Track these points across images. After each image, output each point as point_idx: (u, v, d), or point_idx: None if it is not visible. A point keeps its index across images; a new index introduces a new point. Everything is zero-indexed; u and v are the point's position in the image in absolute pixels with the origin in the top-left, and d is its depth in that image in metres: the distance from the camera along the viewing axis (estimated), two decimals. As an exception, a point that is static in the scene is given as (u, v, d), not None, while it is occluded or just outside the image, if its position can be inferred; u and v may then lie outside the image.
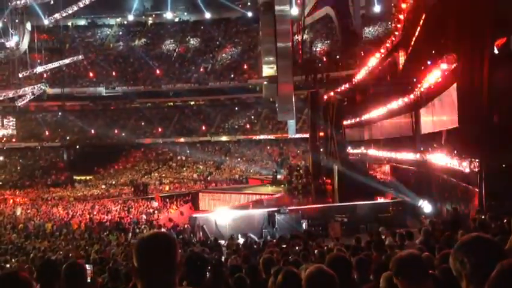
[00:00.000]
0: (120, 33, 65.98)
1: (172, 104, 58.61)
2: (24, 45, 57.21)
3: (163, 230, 20.25)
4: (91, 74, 59.29)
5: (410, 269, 2.51)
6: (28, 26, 57.13)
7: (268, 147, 52.19)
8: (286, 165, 40.74)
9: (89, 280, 4.63)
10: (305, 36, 42.53)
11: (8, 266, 11.95)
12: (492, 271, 1.71)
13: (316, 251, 8.18)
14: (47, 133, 55.68)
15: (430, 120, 16.06)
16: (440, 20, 14.41)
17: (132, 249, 1.92)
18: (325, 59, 51.19)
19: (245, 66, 57.67)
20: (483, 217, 9.24)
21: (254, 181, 41.29)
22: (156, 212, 29.16)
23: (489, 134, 10.89)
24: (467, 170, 11.42)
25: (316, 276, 2.38)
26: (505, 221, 7.74)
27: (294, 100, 30.86)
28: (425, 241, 7.46)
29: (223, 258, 10.35)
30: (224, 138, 54.63)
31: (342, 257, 3.41)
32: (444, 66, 13.19)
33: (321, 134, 29.83)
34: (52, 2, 53.52)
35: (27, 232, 23.28)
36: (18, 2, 51.79)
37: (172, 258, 1.86)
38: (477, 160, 11.08)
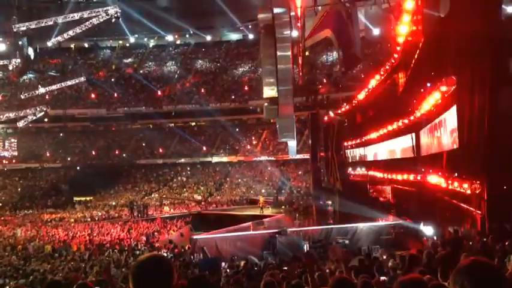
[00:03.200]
0: (122, 55, 66.59)
1: (173, 124, 58.77)
2: (27, 67, 57.70)
3: (162, 252, 20.16)
4: (93, 96, 59.63)
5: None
6: (30, 50, 57.69)
7: (269, 168, 52.12)
8: (287, 187, 40.70)
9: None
10: (305, 59, 42.84)
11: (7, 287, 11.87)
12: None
13: (316, 274, 8.11)
14: (47, 154, 55.74)
15: (431, 142, 16.10)
16: (440, 43, 14.56)
17: (129, 273, 1.91)
18: (325, 81, 51.54)
19: (246, 88, 58.01)
20: (485, 239, 9.20)
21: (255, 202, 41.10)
22: (155, 233, 29.02)
23: (490, 156, 10.90)
24: (468, 192, 11.41)
25: None
26: (506, 243, 7.73)
27: (294, 121, 30.96)
28: (428, 264, 7.42)
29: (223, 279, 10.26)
30: (225, 159, 54.64)
31: (347, 279, 3.42)
32: (444, 88, 13.30)
33: (322, 155, 29.89)
34: (58, 25, 54.05)
35: (26, 254, 23.15)
36: (21, 25, 52.36)
37: (169, 282, 1.85)
38: (478, 182, 11.08)
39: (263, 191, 46.92)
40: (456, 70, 12.78)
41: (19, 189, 52.53)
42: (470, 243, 9.57)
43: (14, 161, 54.43)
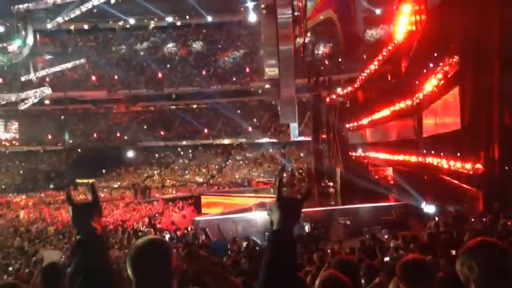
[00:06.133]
0: (122, 37, 66.11)
1: (174, 107, 58.64)
2: (27, 49, 57.40)
3: (165, 233, 20.28)
4: (93, 78, 59.39)
5: (415, 273, 2.49)
6: (30, 30, 57.34)
7: (271, 150, 52.18)
8: (289, 168, 40.71)
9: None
10: (307, 39, 42.52)
11: (10, 269, 11.97)
12: (500, 276, 1.70)
13: (315, 255, 8.14)
14: (49, 137, 55.77)
15: (433, 123, 16.04)
16: (443, 23, 14.39)
17: (127, 257, 1.85)
18: (327, 62, 51.25)
19: (247, 70, 57.70)
20: (484, 220, 9.21)
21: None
22: (158, 215, 29.19)
23: (493, 136, 10.85)
24: (470, 172, 11.40)
25: (330, 282, 2.37)
26: (509, 223, 7.72)
27: (296, 103, 30.84)
28: (430, 244, 7.43)
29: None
30: (226, 141, 54.65)
31: (351, 260, 3.40)
32: (446, 68, 13.19)
33: (324, 136, 29.84)
34: (56, 4, 53.63)
35: (30, 236, 23.33)
36: (20, 6, 51.95)
37: (167, 265, 1.81)
38: (480, 162, 11.06)
39: (261, 174, 47.04)
40: (460, 50, 12.65)
41: (21, 172, 52.74)
42: (472, 221, 9.58)
43: (16, 143, 54.49)
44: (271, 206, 1.81)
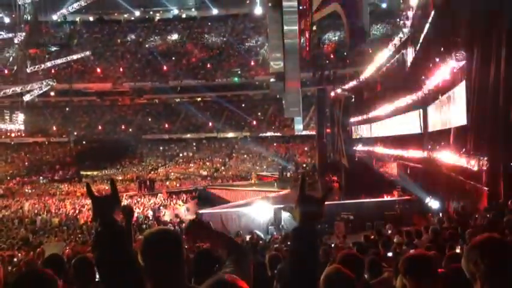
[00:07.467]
0: (127, 29, 66.08)
1: (179, 100, 58.61)
2: (32, 40, 57.47)
3: (169, 226, 20.32)
4: (98, 70, 59.43)
5: (419, 268, 2.47)
6: (35, 22, 57.37)
7: (275, 144, 52.12)
8: (292, 163, 40.70)
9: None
10: (312, 33, 42.39)
11: (15, 260, 12.01)
12: (506, 271, 1.68)
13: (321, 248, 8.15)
14: (54, 128, 55.91)
15: (439, 118, 15.94)
16: (450, 17, 14.28)
17: (137, 247, 1.88)
18: (332, 56, 51.06)
19: (252, 63, 57.58)
20: (488, 215, 9.17)
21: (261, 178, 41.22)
22: (162, 207, 29.26)
23: (500, 132, 10.78)
24: (475, 168, 11.33)
25: (335, 277, 2.37)
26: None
27: (301, 97, 30.78)
28: (434, 240, 7.41)
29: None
30: (231, 134, 54.59)
31: (355, 255, 3.39)
32: (453, 63, 13.09)
33: (328, 131, 29.81)
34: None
35: (34, 227, 23.45)
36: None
37: (179, 255, 1.83)
38: (485, 158, 10.99)
39: (265, 168, 47.05)
40: (466, 44, 12.55)
41: (26, 163, 52.92)
42: (476, 218, 9.54)
43: (22, 134, 54.61)
44: (291, 205, 1.86)
